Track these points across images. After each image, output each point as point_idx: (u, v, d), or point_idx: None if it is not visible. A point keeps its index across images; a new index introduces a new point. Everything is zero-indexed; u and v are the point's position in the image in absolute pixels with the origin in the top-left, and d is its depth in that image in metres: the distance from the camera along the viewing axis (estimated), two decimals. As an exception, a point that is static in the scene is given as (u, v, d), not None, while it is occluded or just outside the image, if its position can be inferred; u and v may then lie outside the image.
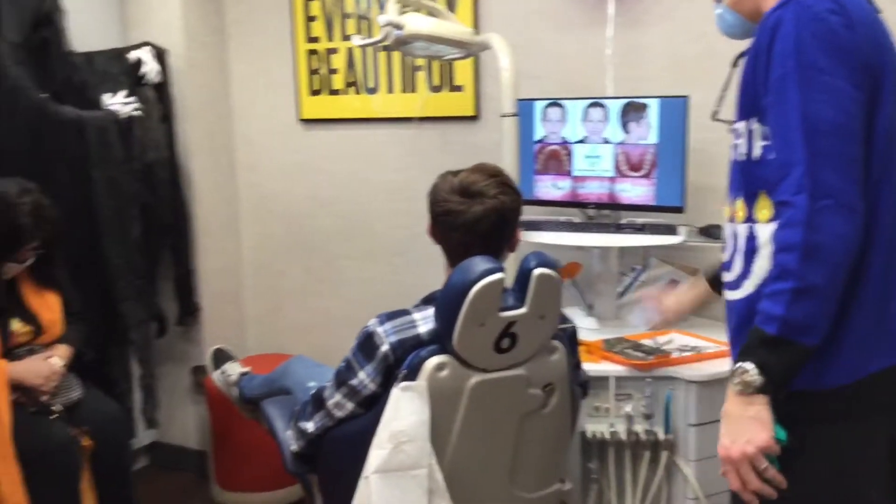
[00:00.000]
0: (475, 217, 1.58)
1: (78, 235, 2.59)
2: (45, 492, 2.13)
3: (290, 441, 1.78)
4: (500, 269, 1.49)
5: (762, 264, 1.33)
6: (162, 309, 3.06)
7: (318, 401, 1.69)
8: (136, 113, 2.78)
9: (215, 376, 2.50)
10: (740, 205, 1.40)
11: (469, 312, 1.48)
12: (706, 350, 2.16)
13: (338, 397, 1.64)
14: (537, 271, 1.52)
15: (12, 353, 2.27)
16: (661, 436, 2.05)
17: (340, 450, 1.67)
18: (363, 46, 2.31)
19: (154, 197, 2.96)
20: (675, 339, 2.26)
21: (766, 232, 1.31)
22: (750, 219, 1.37)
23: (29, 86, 2.54)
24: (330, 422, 1.67)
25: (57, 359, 2.32)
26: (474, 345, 1.53)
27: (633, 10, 2.60)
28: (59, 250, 2.41)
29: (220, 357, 2.59)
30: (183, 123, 3.09)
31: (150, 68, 2.89)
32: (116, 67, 2.88)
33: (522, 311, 1.54)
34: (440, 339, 1.54)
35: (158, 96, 3.00)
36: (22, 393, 2.23)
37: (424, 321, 1.59)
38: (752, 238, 1.37)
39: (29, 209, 2.24)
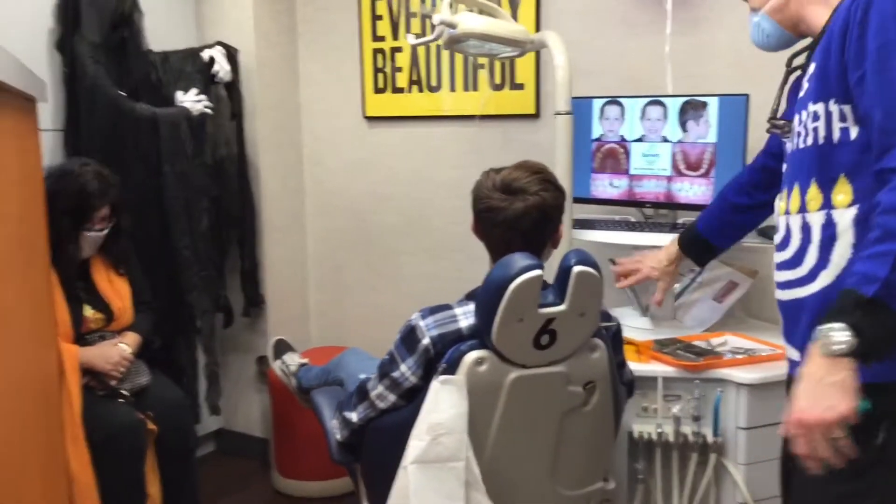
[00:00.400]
0: (516, 214, 1.60)
1: (149, 227, 2.71)
2: (112, 472, 2.22)
3: (336, 430, 1.83)
4: (539, 266, 1.51)
5: (843, 252, 1.30)
6: (229, 300, 3.17)
7: (362, 392, 1.74)
8: (207, 110, 2.88)
9: (276, 366, 2.58)
10: (813, 192, 1.37)
11: (507, 308, 1.49)
12: (760, 353, 2.11)
13: (380, 389, 1.68)
14: (577, 269, 1.53)
15: (84, 339, 2.39)
16: (710, 438, 2.02)
17: (382, 440, 1.71)
18: (416, 45, 2.35)
19: (223, 191, 3.07)
20: (730, 342, 2.22)
21: (846, 217, 1.29)
22: (827, 205, 1.34)
23: (107, 83, 2.66)
24: (373, 412, 1.71)
25: (126, 345, 2.43)
26: (513, 340, 1.54)
27: (695, 8, 2.57)
28: (126, 231, 2.51)
29: (281, 348, 2.68)
30: (252, 120, 3.19)
31: (222, 67, 3.00)
32: (190, 66, 2.99)
33: (562, 308, 1.55)
34: (480, 335, 1.57)
35: (229, 94, 3.10)
36: (92, 377, 2.35)
37: (465, 316, 1.61)
38: (829, 225, 1.34)
39: (92, 174, 2.35)
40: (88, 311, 2.41)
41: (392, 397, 1.67)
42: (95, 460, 2.16)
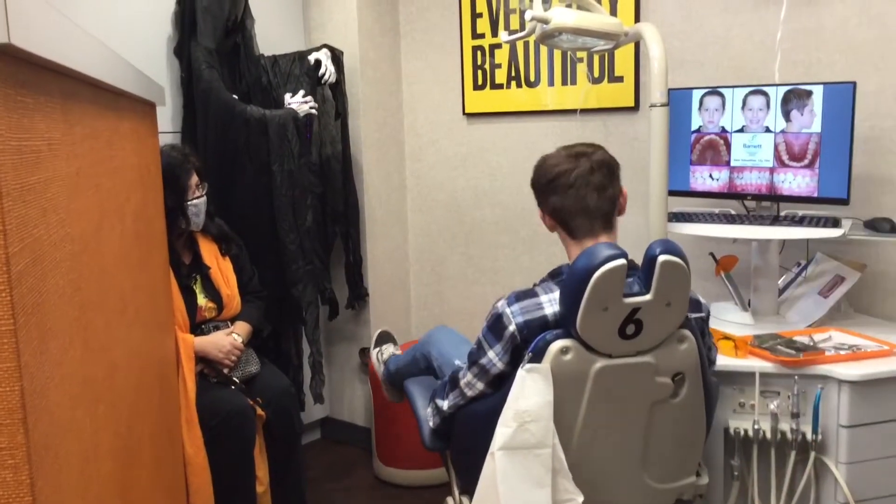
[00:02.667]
0: (587, 170, 1.69)
1: (258, 223, 2.85)
2: (223, 456, 2.34)
3: (429, 418, 1.88)
4: (624, 255, 1.51)
5: None
6: (334, 293, 3.29)
7: (453, 380, 1.78)
8: (313, 111, 3.00)
9: (373, 354, 2.67)
10: None
11: (592, 297, 1.50)
12: (866, 349, 2.03)
13: (469, 377, 1.72)
14: (662, 258, 1.52)
15: (199, 329, 2.53)
16: (809, 436, 1.96)
17: (470, 427, 1.75)
18: (510, 41, 2.38)
19: (328, 188, 3.19)
20: (834, 337, 2.15)
21: None
22: None
23: (220, 87, 2.82)
24: (462, 400, 1.76)
25: (237, 335, 2.56)
26: (598, 330, 1.55)
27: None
28: (214, 202, 2.63)
29: (383, 338, 2.76)
30: (356, 119, 3.30)
31: (328, 69, 3.11)
32: (298, 69, 3.12)
33: (647, 297, 1.54)
34: (565, 323, 1.58)
35: (334, 94, 3.22)
36: (206, 365, 2.49)
37: (550, 303, 1.63)
38: None
39: (168, 150, 2.47)
40: (202, 300, 2.55)
41: (480, 385, 1.71)
42: (208, 443, 2.29)
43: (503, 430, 1.57)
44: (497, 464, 1.57)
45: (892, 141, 2.34)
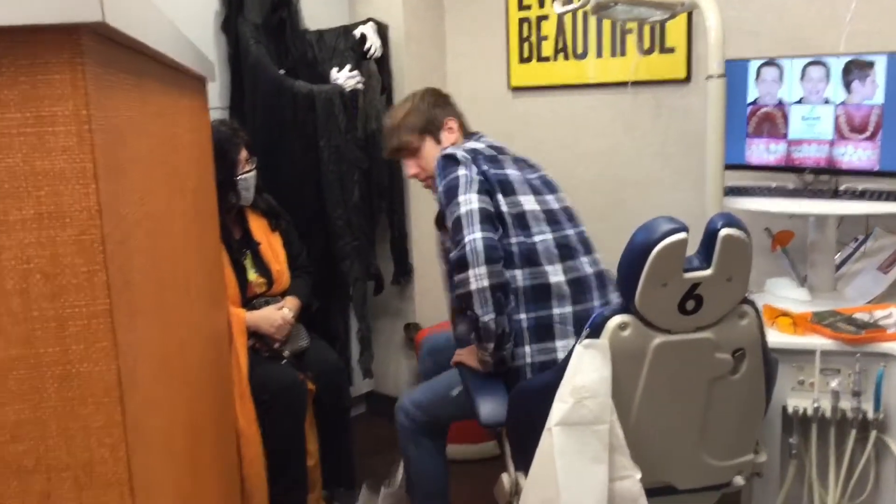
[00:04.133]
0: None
1: (306, 198, 2.86)
2: (275, 428, 2.37)
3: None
4: (684, 229, 1.48)
5: None
6: (379, 268, 3.30)
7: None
8: (359, 86, 2.99)
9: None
10: None
11: (651, 272, 1.49)
12: (930, 327, 1.99)
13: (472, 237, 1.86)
14: (724, 232, 1.49)
15: (251, 304, 2.56)
16: (871, 414, 1.93)
17: (525, 403, 1.75)
18: (563, 13, 2.34)
19: (373, 164, 3.18)
20: (893, 314, 2.10)
21: None
22: None
23: (268, 62, 2.82)
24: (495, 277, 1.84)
25: (287, 310, 2.58)
26: (657, 305, 1.53)
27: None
28: (263, 179, 2.64)
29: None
30: (401, 94, 3.28)
31: (373, 44, 3.10)
32: (343, 43, 3.12)
33: (708, 272, 1.52)
34: (623, 299, 1.57)
35: (380, 69, 3.20)
36: (257, 339, 2.52)
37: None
38: None
39: (217, 125, 2.45)
40: (252, 276, 2.58)
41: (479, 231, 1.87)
42: (260, 417, 2.31)
43: (560, 406, 1.57)
44: (554, 439, 1.57)
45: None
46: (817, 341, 1.98)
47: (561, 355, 1.83)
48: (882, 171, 2.21)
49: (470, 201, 1.88)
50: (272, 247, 2.67)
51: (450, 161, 1.98)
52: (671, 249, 1.47)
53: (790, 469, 2.04)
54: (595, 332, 1.56)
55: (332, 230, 2.90)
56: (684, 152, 2.89)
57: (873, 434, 1.93)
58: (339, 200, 2.89)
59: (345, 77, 2.95)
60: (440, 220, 2.01)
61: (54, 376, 0.65)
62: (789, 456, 2.03)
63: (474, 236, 1.83)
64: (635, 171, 3.03)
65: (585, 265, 1.99)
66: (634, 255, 1.50)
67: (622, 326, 1.55)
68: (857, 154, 2.26)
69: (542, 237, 1.95)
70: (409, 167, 2.23)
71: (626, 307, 1.56)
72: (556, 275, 1.91)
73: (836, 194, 2.28)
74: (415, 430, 2.24)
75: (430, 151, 2.18)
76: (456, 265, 1.85)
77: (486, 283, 1.81)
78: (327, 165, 2.87)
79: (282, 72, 2.89)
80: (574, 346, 1.58)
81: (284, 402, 2.45)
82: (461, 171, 1.94)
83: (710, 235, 1.52)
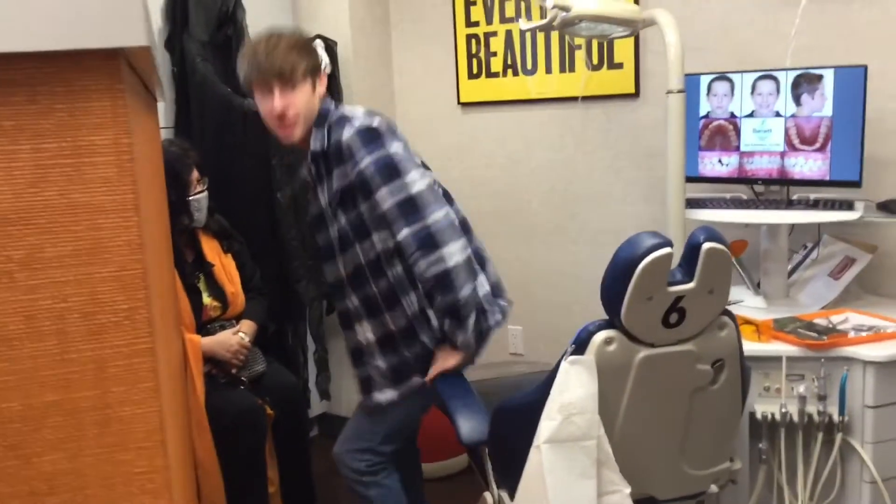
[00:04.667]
0: None
1: (259, 219, 2.80)
2: (234, 457, 2.29)
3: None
4: (669, 244, 1.50)
5: None
6: (332, 287, 3.24)
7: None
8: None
9: None
10: None
11: (637, 287, 1.49)
12: (885, 329, 2.06)
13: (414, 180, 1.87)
14: (707, 245, 1.52)
15: (205, 329, 2.47)
16: (836, 417, 1.98)
17: (510, 421, 1.73)
18: (530, 30, 2.36)
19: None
20: (851, 319, 2.17)
21: None
22: None
23: (216, 80, 2.75)
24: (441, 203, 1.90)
25: (243, 334, 2.51)
26: (642, 319, 1.54)
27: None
28: (215, 200, 2.58)
29: None
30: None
31: (322, 60, 3.05)
32: (290, 60, 3.06)
33: (691, 285, 1.54)
34: (608, 314, 1.57)
35: (329, 86, 3.15)
36: (214, 365, 2.44)
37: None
38: None
39: (167, 145, 2.40)
40: (207, 299, 2.50)
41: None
42: (218, 445, 2.22)
43: (548, 424, 1.56)
44: (543, 456, 1.56)
45: (893, 124, 2.36)
46: (782, 348, 2.03)
47: None
48: (832, 180, 2.29)
49: (417, 179, 1.82)
50: (226, 269, 2.59)
51: (373, 134, 1.84)
52: (657, 264, 1.48)
53: (760, 474, 2.07)
54: (580, 348, 1.56)
55: (286, 250, 2.84)
56: (635, 166, 2.94)
57: (839, 437, 1.99)
58: (292, 220, 2.83)
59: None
60: (343, 198, 1.89)
61: (93, 422, 0.60)
62: (759, 461, 2.07)
63: (438, 214, 1.80)
64: (587, 185, 3.06)
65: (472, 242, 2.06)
66: (619, 271, 1.51)
67: (608, 342, 1.55)
68: (807, 165, 2.33)
69: (454, 210, 1.97)
70: (278, 99, 1.88)
71: (611, 322, 1.56)
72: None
73: (790, 204, 2.34)
74: (366, 472, 2.10)
75: (305, 96, 1.92)
76: (420, 246, 1.79)
77: (466, 254, 1.81)
78: (280, 184, 2.81)
79: (230, 90, 2.82)
80: (559, 361, 1.58)
81: (244, 429, 2.37)
82: (393, 148, 1.84)
83: (692, 249, 1.54)
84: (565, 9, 1.98)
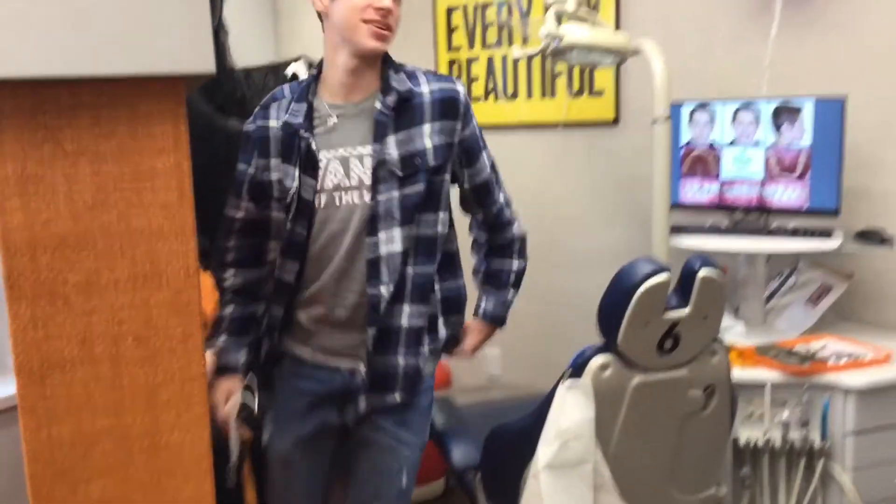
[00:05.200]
0: None
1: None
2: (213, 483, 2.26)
3: None
4: (667, 270, 1.52)
5: None
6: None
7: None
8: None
9: None
10: None
11: (634, 312, 1.51)
12: (863, 357, 2.10)
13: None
14: (703, 272, 1.54)
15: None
16: (818, 443, 2.01)
17: (503, 446, 1.73)
18: (521, 58, 2.39)
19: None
20: (829, 345, 2.21)
21: None
22: None
23: (198, 100, 2.73)
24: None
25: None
26: (638, 345, 1.56)
27: (793, 9, 2.55)
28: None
29: None
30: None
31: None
32: (273, 81, 3.05)
33: (686, 311, 1.56)
34: (604, 338, 1.58)
35: (310, 107, 3.16)
36: None
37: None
38: None
39: None
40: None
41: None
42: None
43: (546, 450, 1.56)
44: (542, 483, 1.56)
45: (872, 153, 2.43)
46: (766, 374, 2.06)
47: None
48: (811, 209, 2.34)
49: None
50: (204, 287, 2.56)
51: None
52: (655, 290, 1.50)
53: (743, 500, 2.10)
54: (577, 372, 1.57)
55: (267, 271, 2.81)
56: (615, 192, 2.98)
57: (821, 462, 2.02)
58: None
59: (279, 115, 2.88)
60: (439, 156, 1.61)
61: (143, 448, 0.59)
62: (742, 487, 2.09)
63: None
64: (568, 211, 3.09)
65: None
66: (617, 297, 1.52)
67: (604, 367, 1.56)
68: (786, 193, 2.38)
69: None
70: None
71: (608, 347, 1.57)
72: None
73: (770, 232, 2.39)
74: None
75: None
76: (510, 206, 1.85)
77: None
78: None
79: (212, 109, 2.80)
80: (555, 385, 1.59)
81: (221, 453, 2.33)
82: None
83: (687, 276, 1.56)
84: (558, 37, 2.01)
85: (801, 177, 2.35)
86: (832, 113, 2.27)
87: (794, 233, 2.36)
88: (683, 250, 2.44)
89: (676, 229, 2.51)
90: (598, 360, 1.57)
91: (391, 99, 1.59)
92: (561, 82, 3.03)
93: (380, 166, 1.57)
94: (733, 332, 2.41)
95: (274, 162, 1.65)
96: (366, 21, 1.53)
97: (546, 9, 2.05)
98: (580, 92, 3.01)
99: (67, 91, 0.54)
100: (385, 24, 1.55)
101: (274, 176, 1.65)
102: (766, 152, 2.40)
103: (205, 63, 0.56)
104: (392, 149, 1.57)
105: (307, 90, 1.64)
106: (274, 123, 1.65)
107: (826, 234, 2.31)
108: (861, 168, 2.39)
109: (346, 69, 1.58)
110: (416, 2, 3.28)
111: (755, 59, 2.57)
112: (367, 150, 1.58)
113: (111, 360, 0.57)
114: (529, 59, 2.97)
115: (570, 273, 3.09)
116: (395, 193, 1.58)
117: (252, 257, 1.75)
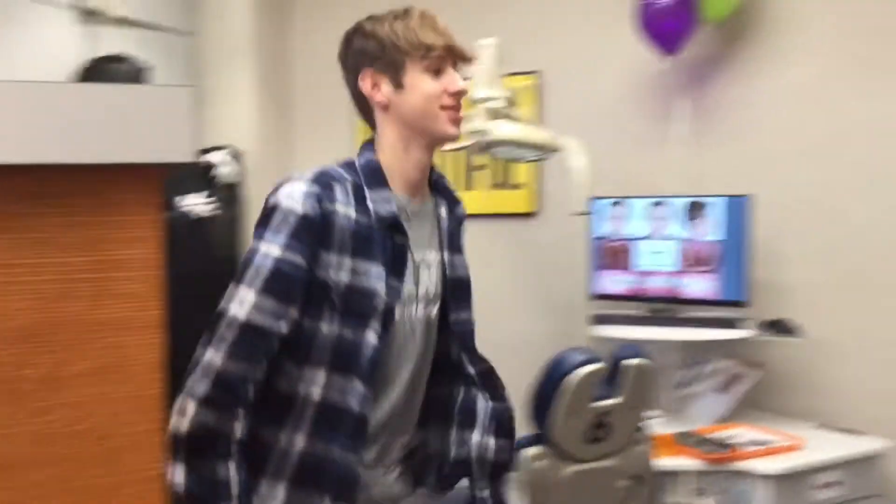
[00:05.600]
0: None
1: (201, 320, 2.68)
2: None
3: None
4: (598, 359, 1.55)
5: None
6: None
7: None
8: (213, 212, 2.90)
9: None
10: None
11: (567, 402, 1.53)
12: (776, 444, 2.17)
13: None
14: (633, 361, 1.58)
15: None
16: (740, 531, 2.05)
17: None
18: (450, 152, 2.45)
19: (222, 291, 3.05)
20: (741, 434, 2.27)
21: None
22: None
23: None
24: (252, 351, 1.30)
25: None
26: (570, 435, 1.57)
27: (693, 109, 2.71)
28: None
29: None
30: (252, 222, 3.21)
31: (225, 170, 3.04)
32: (194, 169, 3.03)
33: (618, 400, 1.58)
34: (536, 429, 1.58)
35: (231, 196, 3.13)
36: None
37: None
38: None
39: None
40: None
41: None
42: None
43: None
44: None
45: (778, 248, 2.57)
46: (686, 462, 2.10)
47: None
48: (722, 300, 2.45)
49: None
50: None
51: None
52: (587, 379, 1.52)
53: (668, 590, 2.10)
54: (509, 464, 1.56)
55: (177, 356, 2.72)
56: (536, 283, 3.04)
57: (742, 549, 2.05)
58: (194, 331, 2.73)
59: (200, 203, 2.85)
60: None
61: (96, 556, 0.56)
62: (667, 577, 2.09)
63: None
64: (490, 302, 3.10)
65: None
66: (548, 387, 1.54)
67: (536, 457, 1.56)
68: (698, 285, 2.49)
69: None
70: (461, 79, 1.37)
71: (539, 437, 1.58)
72: None
73: (682, 322, 2.48)
74: None
75: None
76: None
77: None
78: (173, 294, 2.71)
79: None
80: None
81: None
82: None
83: (616, 364, 1.59)
84: (486, 133, 2.07)
85: (712, 269, 2.46)
86: (740, 210, 2.40)
87: (707, 323, 2.45)
88: (600, 339, 2.49)
89: (596, 319, 2.57)
90: (531, 452, 1.56)
91: (457, 215, 1.50)
92: (482, 175, 3.11)
93: (450, 276, 1.45)
94: (651, 420, 2.46)
95: (349, 260, 1.30)
96: (444, 108, 1.35)
97: (473, 104, 2.12)
98: (501, 185, 3.09)
99: (34, 179, 0.53)
100: (460, 107, 1.38)
101: (354, 278, 1.30)
102: (680, 246, 2.51)
103: (185, 153, 0.55)
104: (456, 268, 1.49)
105: (382, 176, 1.37)
106: (343, 209, 1.31)
107: (735, 324, 2.41)
108: (767, 262, 2.52)
109: (419, 164, 1.37)
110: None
111: (665, 160, 2.71)
112: (435, 257, 1.44)
113: (69, 461, 0.54)
114: (454, 152, 3.04)
115: (494, 362, 3.09)
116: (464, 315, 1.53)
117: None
